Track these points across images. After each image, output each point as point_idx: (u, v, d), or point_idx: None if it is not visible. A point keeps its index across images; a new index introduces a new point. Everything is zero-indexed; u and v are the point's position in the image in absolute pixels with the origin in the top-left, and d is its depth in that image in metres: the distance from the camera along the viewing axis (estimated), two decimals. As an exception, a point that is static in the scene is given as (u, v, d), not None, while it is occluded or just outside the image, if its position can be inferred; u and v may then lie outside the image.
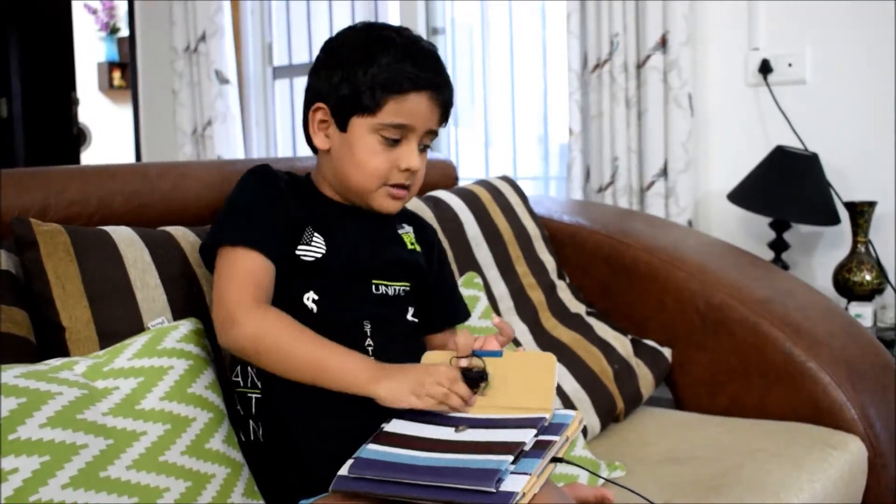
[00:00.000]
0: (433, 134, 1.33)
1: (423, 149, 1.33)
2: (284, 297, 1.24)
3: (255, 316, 1.19)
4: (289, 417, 1.24)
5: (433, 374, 1.17)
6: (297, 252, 1.27)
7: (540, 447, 1.09)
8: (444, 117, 1.33)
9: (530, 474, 1.04)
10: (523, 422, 1.11)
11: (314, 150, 1.38)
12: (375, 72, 1.26)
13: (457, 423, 1.13)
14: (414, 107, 1.28)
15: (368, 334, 1.28)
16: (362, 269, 1.31)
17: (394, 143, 1.29)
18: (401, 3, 3.31)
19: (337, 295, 1.28)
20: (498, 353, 1.19)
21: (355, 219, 1.34)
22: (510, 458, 1.05)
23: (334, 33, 1.38)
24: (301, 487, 1.21)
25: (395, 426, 1.15)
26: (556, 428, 1.12)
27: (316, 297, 1.26)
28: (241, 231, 1.25)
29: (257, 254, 1.23)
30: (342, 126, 1.30)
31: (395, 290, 1.34)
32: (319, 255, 1.28)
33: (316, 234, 1.30)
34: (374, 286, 1.32)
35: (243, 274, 1.22)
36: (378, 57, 1.27)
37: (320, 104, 1.31)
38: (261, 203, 1.29)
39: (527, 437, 1.09)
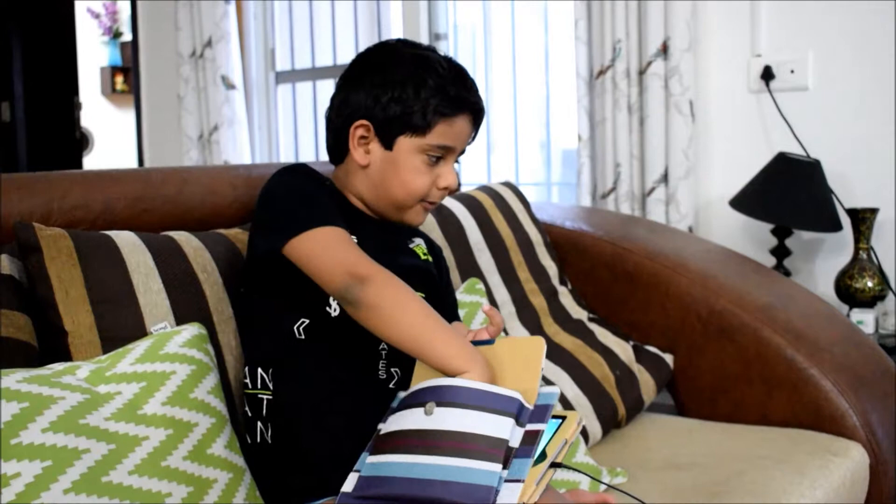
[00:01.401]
0: (462, 153, 1.37)
1: None
2: (308, 302, 1.25)
3: (383, 271, 1.19)
4: (300, 418, 1.24)
5: None
6: None
7: (528, 441, 1.06)
8: (474, 138, 1.38)
9: (523, 481, 1.02)
10: (496, 400, 1.08)
11: (337, 160, 1.39)
12: (427, 94, 1.29)
13: (424, 401, 1.10)
14: (459, 129, 1.33)
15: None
16: None
17: (436, 161, 1.32)
18: (403, 4, 3.32)
19: None
20: (490, 342, 1.18)
21: (375, 228, 1.37)
22: (499, 466, 1.03)
23: (366, 49, 1.39)
24: (308, 489, 1.22)
25: (386, 426, 1.14)
26: (541, 412, 1.08)
27: (338, 304, 1.27)
28: (318, 215, 1.25)
29: (340, 228, 1.24)
30: (387, 144, 1.32)
31: None
32: None
33: (353, 237, 1.31)
34: None
35: (346, 240, 1.23)
36: (427, 79, 1.30)
37: (363, 121, 1.32)
38: (317, 191, 1.31)
39: (506, 429, 1.05)
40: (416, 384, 1.14)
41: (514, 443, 1.05)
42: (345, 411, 1.23)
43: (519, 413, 1.07)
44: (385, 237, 1.37)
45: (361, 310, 1.18)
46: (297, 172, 1.35)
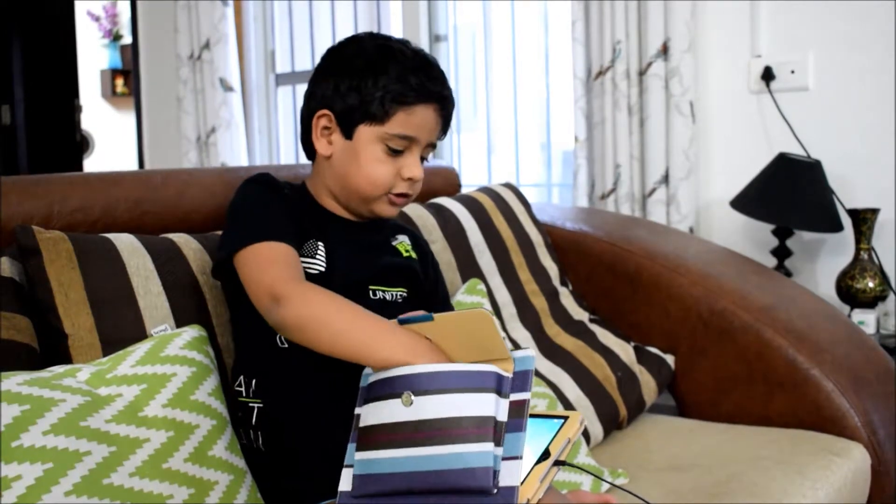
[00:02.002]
0: (432, 147, 1.35)
1: (422, 160, 1.35)
2: None
3: (299, 290, 1.16)
4: (289, 426, 1.24)
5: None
6: (302, 264, 1.28)
7: (516, 412, 1.02)
8: (444, 130, 1.36)
9: (521, 458, 1.00)
10: (472, 378, 1.03)
11: (311, 156, 1.39)
12: (386, 82, 1.28)
13: (398, 391, 1.05)
14: (420, 119, 1.30)
15: None
16: (360, 278, 1.32)
17: (397, 153, 1.31)
18: (403, 5, 3.32)
19: None
20: (429, 317, 1.12)
21: (350, 230, 1.36)
22: (490, 444, 0.99)
23: (336, 42, 1.39)
24: (303, 494, 1.21)
25: (365, 416, 1.10)
26: (522, 379, 1.04)
27: None
28: (259, 230, 1.24)
29: (280, 243, 1.23)
30: (347, 134, 1.31)
31: (392, 295, 1.35)
32: (323, 269, 1.29)
33: (319, 243, 1.30)
34: (371, 291, 1.33)
35: (274, 258, 1.21)
36: (388, 67, 1.29)
37: (325, 111, 1.32)
38: (269, 205, 1.30)
39: (489, 405, 1.01)
40: (385, 371, 1.09)
41: (502, 416, 1.02)
42: (333, 416, 1.22)
43: (499, 385, 1.03)
44: (361, 237, 1.36)
45: (285, 332, 1.17)
46: (257, 184, 1.34)
